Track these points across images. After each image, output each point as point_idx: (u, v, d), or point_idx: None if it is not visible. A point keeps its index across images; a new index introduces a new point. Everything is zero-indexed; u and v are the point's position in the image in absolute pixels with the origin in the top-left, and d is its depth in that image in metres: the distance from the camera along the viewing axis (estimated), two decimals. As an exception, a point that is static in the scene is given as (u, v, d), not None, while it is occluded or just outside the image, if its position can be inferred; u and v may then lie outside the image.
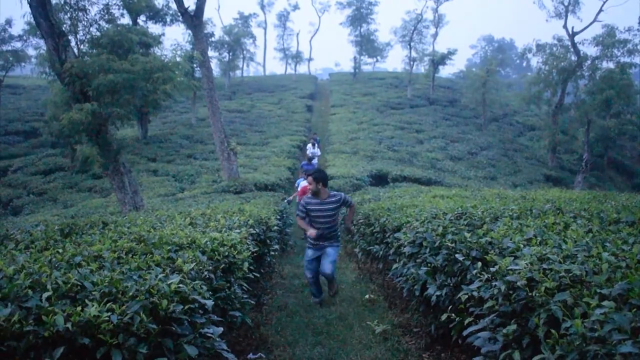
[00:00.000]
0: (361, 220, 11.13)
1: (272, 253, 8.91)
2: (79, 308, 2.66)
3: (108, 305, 2.77)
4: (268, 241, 8.56)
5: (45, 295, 2.76)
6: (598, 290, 2.73)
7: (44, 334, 2.51)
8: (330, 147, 34.80)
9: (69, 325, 2.55)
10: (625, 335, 2.27)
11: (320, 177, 8.24)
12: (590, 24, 42.80)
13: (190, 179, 28.96)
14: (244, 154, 31.64)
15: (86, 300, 2.81)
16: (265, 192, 21.80)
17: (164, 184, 27.53)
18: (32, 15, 14.92)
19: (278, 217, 11.92)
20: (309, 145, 27.74)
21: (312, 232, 8.14)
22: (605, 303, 2.52)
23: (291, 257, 12.87)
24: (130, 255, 3.99)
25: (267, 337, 6.58)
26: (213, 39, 54.08)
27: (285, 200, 16.66)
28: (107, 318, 2.64)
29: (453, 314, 4.29)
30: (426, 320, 6.03)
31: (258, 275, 6.70)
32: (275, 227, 9.84)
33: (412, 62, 60.06)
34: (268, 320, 7.37)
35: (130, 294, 2.94)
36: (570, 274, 3.02)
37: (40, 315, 2.59)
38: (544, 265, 3.25)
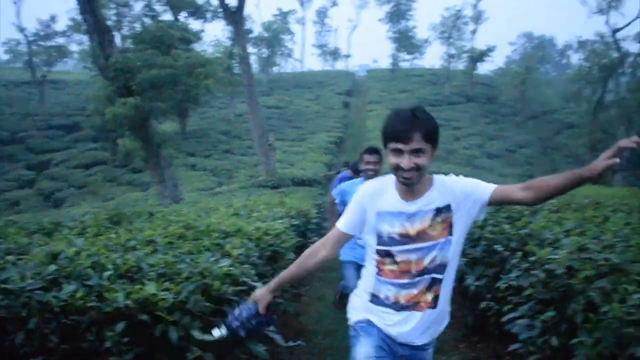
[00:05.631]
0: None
1: (311, 245, 9.04)
2: (137, 286, 2.82)
3: (164, 285, 2.93)
4: (308, 233, 8.68)
5: (105, 274, 2.93)
6: (636, 278, 2.81)
7: (106, 309, 2.69)
8: (367, 143, 34.74)
9: (129, 302, 2.71)
10: (661, 318, 2.36)
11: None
12: (633, 20, 42.08)
13: (228, 173, 29.31)
14: (281, 149, 31.85)
15: (144, 280, 2.97)
16: (302, 187, 21.94)
17: (201, 178, 27.92)
18: (78, 11, 15.26)
19: (317, 210, 12.05)
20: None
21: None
22: (643, 289, 2.61)
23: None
24: (181, 241, 4.15)
25: (305, 326, 6.71)
26: (252, 35, 54.38)
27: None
28: (163, 297, 2.79)
29: (492, 302, 4.37)
30: (463, 312, 6.09)
31: (299, 265, 6.82)
32: (315, 220, 9.97)
33: (450, 59, 59.69)
34: (306, 310, 7.50)
35: (184, 275, 3.10)
36: (609, 262, 3.08)
37: (101, 293, 2.77)
38: (583, 255, 3.31)
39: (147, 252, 3.54)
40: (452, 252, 2.63)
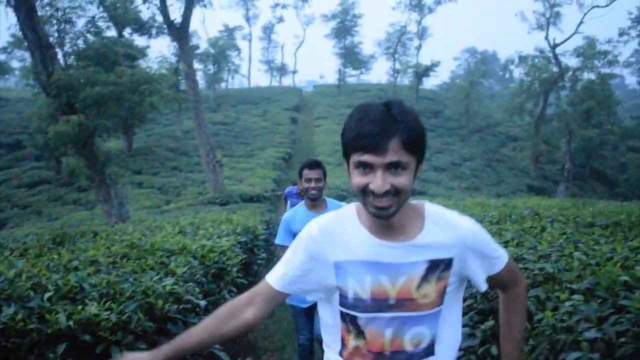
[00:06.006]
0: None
1: (259, 262, 9.03)
2: (79, 307, 2.81)
3: (107, 304, 2.92)
4: (255, 250, 8.68)
5: (46, 295, 2.91)
6: (568, 286, 2.92)
7: (47, 331, 2.66)
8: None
9: (70, 323, 2.69)
10: (591, 324, 2.46)
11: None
12: (571, 35, 43.50)
13: (176, 191, 29.07)
14: (229, 165, 31.76)
15: (86, 300, 2.96)
16: (251, 203, 21.90)
17: (149, 196, 27.63)
18: (18, 27, 15.02)
19: (264, 227, 12.06)
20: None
21: None
22: (574, 297, 2.72)
23: (277, 266, 12.97)
24: (124, 260, 4.14)
25: (255, 343, 6.71)
26: (198, 51, 54.20)
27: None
28: (106, 316, 2.78)
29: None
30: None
31: (246, 282, 6.84)
32: (262, 236, 9.98)
33: (396, 74, 60.57)
34: (255, 326, 7.49)
35: (127, 294, 3.09)
36: (544, 272, 3.22)
37: (42, 314, 2.73)
38: (520, 265, 3.43)
39: (89, 272, 3.52)
40: (441, 329, 1.83)
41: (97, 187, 16.16)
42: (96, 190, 16.51)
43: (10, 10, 20.30)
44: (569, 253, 3.49)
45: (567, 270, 3.14)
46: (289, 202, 11.24)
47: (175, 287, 3.39)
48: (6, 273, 3.20)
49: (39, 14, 15.45)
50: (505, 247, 4.09)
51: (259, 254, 9.08)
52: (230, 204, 21.10)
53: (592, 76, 42.10)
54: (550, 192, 35.70)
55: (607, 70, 41.84)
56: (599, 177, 44.86)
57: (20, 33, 15.74)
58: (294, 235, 3.98)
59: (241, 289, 7.05)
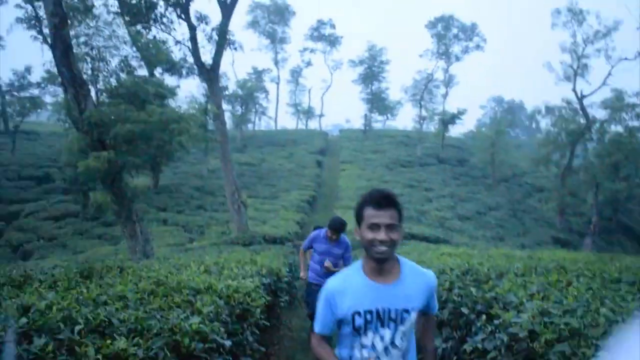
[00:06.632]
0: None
1: (282, 304, 9.02)
2: (108, 341, 2.85)
3: (135, 340, 2.96)
4: (278, 292, 8.69)
5: (77, 328, 2.96)
6: (595, 342, 2.91)
7: (76, 364, 2.71)
8: (339, 202, 34.95)
9: (99, 356, 2.74)
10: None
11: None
12: (599, 87, 43.46)
13: (200, 229, 29.17)
14: (253, 206, 31.86)
15: (114, 335, 3.00)
16: (274, 244, 21.89)
17: (173, 233, 27.74)
18: (54, 64, 15.35)
19: (288, 269, 12.05)
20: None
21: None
22: (600, 353, 2.70)
23: (299, 310, 12.92)
24: (151, 297, 4.18)
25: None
26: (227, 92, 54.89)
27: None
28: (134, 352, 2.83)
29: (458, 365, 4.43)
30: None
31: (268, 324, 6.84)
32: (285, 279, 9.98)
33: (422, 121, 60.78)
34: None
35: (154, 331, 3.14)
36: (569, 327, 3.19)
37: (72, 347, 2.78)
38: (545, 319, 3.41)
39: (118, 307, 3.57)
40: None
41: (123, 223, 16.28)
42: (122, 226, 16.63)
43: (46, 47, 20.86)
44: (595, 309, 3.47)
45: (593, 326, 3.12)
46: (315, 250, 8.39)
47: (201, 325, 3.42)
48: (37, 304, 3.26)
49: (74, 51, 15.81)
50: (531, 299, 4.08)
51: (282, 296, 9.08)
52: (253, 245, 21.11)
53: (620, 129, 41.90)
54: (576, 245, 35.26)
55: (635, 124, 41.60)
56: (626, 232, 44.24)
57: (55, 69, 16.07)
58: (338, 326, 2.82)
59: (264, 331, 7.07)
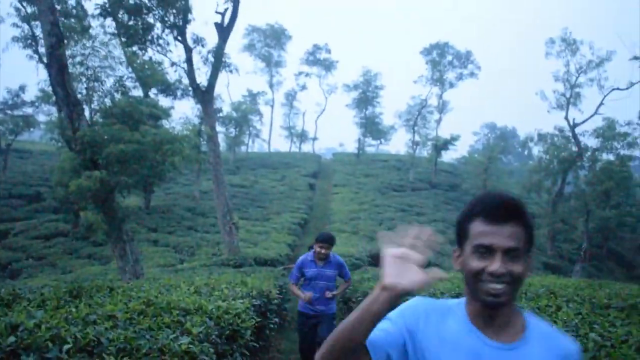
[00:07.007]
0: (360, 298, 11.21)
1: (272, 326, 8.99)
2: (96, 361, 2.85)
3: (123, 360, 2.95)
4: (268, 314, 8.66)
5: (65, 347, 2.94)
6: (583, 367, 2.91)
7: (64, 383, 2.70)
8: (331, 225, 34.96)
9: (87, 376, 2.73)
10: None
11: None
12: (591, 116, 43.73)
13: (190, 250, 29.05)
14: (245, 228, 31.78)
15: (103, 354, 2.99)
16: (265, 267, 21.82)
17: (163, 254, 27.62)
18: (49, 83, 15.39)
19: (278, 291, 12.02)
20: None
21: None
22: (589, 378, 2.71)
23: (288, 332, 12.88)
24: (141, 317, 4.17)
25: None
26: (221, 114, 55.01)
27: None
28: (122, 372, 2.82)
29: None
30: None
31: (257, 345, 6.81)
32: (276, 301, 9.95)
33: (415, 146, 60.96)
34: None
35: (144, 351, 3.13)
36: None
37: (60, 366, 2.78)
38: (534, 343, 3.42)
39: (107, 327, 3.56)
40: None
41: (113, 243, 16.21)
42: (112, 246, 16.57)
43: (41, 66, 20.89)
44: (584, 334, 3.49)
45: (582, 351, 3.13)
46: (305, 276, 8.12)
47: (191, 346, 3.42)
48: (26, 323, 3.24)
49: (70, 71, 15.85)
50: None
51: (272, 318, 9.06)
52: (244, 267, 21.04)
53: (612, 157, 42.16)
54: (567, 271, 35.28)
55: (626, 152, 41.89)
56: (616, 259, 44.32)
57: (50, 88, 16.10)
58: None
59: (253, 352, 7.05)
